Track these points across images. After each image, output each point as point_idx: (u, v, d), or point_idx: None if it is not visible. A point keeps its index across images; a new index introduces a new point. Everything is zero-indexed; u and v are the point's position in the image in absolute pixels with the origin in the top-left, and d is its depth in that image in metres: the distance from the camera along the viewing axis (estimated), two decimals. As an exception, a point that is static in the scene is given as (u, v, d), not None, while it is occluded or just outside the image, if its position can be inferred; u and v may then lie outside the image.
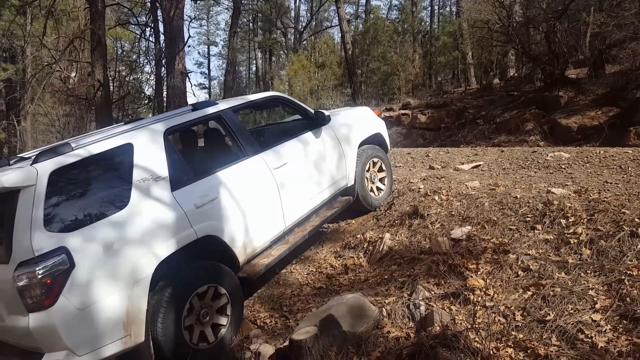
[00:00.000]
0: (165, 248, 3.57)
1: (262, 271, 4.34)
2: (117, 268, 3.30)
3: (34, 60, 20.33)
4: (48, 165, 3.28)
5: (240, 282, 4.14)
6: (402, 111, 16.18)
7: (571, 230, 4.01)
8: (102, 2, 10.83)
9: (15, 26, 17.29)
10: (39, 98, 16.79)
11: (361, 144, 5.72)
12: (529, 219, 4.43)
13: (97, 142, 3.65)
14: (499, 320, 3.18)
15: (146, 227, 3.51)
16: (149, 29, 16.55)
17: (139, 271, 3.39)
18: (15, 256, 3.08)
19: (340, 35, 23.91)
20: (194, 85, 45.07)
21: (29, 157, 3.58)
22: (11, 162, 3.71)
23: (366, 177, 5.77)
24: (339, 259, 5.23)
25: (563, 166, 6.84)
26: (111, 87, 15.69)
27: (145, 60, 20.05)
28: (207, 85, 47.04)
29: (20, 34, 19.08)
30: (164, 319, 3.50)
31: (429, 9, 32.99)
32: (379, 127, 6.17)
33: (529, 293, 3.37)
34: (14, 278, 3.02)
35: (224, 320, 3.92)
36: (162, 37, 15.19)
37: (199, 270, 3.84)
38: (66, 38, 16.34)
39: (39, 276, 3.00)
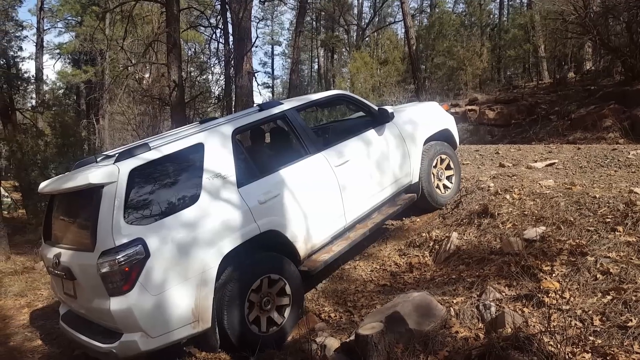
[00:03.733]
0: (230, 241, 3.75)
1: (322, 266, 4.42)
2: (187, 258, 3.52)
3: (111, 63, 21.69)
4: (128, 164, 3.55)
5: (301, 275, 4.25)
6: (469, 107, 15.68)
7: (657, 233, 3.74)
8: (177, 6, 11.33)
9: (96, 31, 18.45)
10: (117, 98, 17.86)
11: (427, 140, 5.63)
12: (609, 220, 4.17)
13: (172, 143, 3.90)
14: (575, 324, 3.02)
15: (214, 222, 3.71)
16: (219, 30, 17.12)
17: (207, 261, 3.60)
18: (99, 245, 3.36)
19: (404, 30, 23.56)
20: (259, 84, 46.22)
21: (113, 155, 3.86)
22: (98, 159, 4.05)
23: (432, 174, 5.67)
24: (403, 256, 5.18)
25: (647, 165, 6.37)
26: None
27: (215, 61, 20.76)
28: (271, 85, 48.08)
29: (99, 38, 20.35)
30: (229, 306, 3.70)
31: (498, 1, 31.71)
32: (448, 122, 6.03)
33: (609, 297, 3.18)
34: (98, 265, 3.31)
35: (284, 311, 4.07)
36: (231, 39, 15.68)
37: (263, 261, 4.02)
38: (141, 41, 17.26)
39: (119, 264, 3.27)
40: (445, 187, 5.89)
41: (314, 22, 37.96)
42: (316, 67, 41.72)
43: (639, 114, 10.59)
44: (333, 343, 3.54)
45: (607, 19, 13.21)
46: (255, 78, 11.86)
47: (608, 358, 2.66)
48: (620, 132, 10.63)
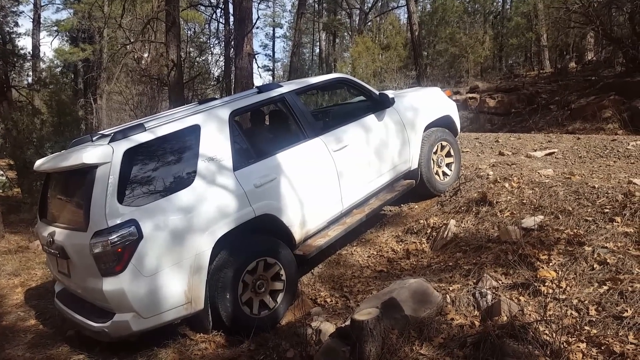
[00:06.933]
0: (224, 224, 3.73)
1: (317, 251, 4.43)
2: (180, 241, 3.50)
3: (110, 41, 21.39)
4: (123, 145, 3.51)
5: (296, 259, 4.24)
6: (470, 95, 15.63)
7: (655, 224, 3.73)
8: (178, -17, 11.14)
9: (94, 8, 18.17)
10: (115, 78, 17.66)
11: (428, 127, 5.58)
12: (607, 210, 4.16)
13: (168, 123, 3.84)
14: (571, 313, 3.03)
15: (209, 205, 3.68)
16: (220, 10, 16.89)
17: (201, 244, 3.58)
18: (92, 225, 3.34)
19: (406, 15, 23.35)
20: (259, 67, 45.73)
21: (109, 135, 3.81)
22: (94, 138, 4.00)
23: (432, 160, 5.63)
24: (400, 243, 5.17)
25: (646, 156, 6.34)
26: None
27: (215, 42, 20.52)
28: (271, 67, 47.63)
29: (97, 16, 20.04)
30: (223, 288, 3.69)
31: (502, -12, 31.28)
32: (449, 109, 5.98)
33: (605, 287, 3.18)
34: (91, 245, 3.30)
35: (278, 294, 4.07)
36: (231, 19, 15.47)
37: (257, 244, 4.01)
38: (140, 19, 17.01)
39: (112, 245, 3.26)
40: (444, 174, 5.86)
41: (316, 5, 37.46)
42: (317, 50, 41.24)
43: (638, 106, 10.54)
44: (328, 328, 3.53)
45: (610, 9, 13.11)
46: (256, 60, 11.72)
47: (603, 348, 2.66)
48: (620, 123, 10.59)
